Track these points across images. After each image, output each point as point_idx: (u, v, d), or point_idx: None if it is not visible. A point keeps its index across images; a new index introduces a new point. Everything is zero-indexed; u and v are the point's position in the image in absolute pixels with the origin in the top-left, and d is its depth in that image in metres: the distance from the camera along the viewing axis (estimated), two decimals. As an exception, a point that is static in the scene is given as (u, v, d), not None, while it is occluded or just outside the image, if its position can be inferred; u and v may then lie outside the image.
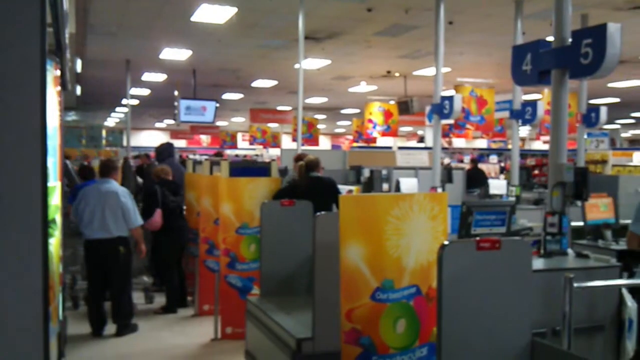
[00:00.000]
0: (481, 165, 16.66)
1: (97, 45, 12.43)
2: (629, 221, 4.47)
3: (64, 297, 4.56)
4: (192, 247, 6.90)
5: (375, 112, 17.40)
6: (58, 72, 3.26)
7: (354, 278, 2.92)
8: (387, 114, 17.36)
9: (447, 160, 20.88)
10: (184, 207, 7.11)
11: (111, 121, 32.45)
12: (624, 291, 3.78)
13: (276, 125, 23.96)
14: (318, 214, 3.27)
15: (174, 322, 6.43)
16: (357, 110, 23.35)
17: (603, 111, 11.11)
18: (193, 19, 9.93)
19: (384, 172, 9.76)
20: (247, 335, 4.28)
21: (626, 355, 3.72)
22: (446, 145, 22.68)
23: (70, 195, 6.61)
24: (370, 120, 17.48)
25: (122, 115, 27.89)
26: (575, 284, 3.08)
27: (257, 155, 28.15)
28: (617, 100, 19.84)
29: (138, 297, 6.52)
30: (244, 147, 31.99)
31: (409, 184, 8.82)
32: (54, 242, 2.57)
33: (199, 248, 6.49)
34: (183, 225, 6.86)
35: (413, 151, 14.54)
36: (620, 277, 4.05)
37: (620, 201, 6.35)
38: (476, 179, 11.77)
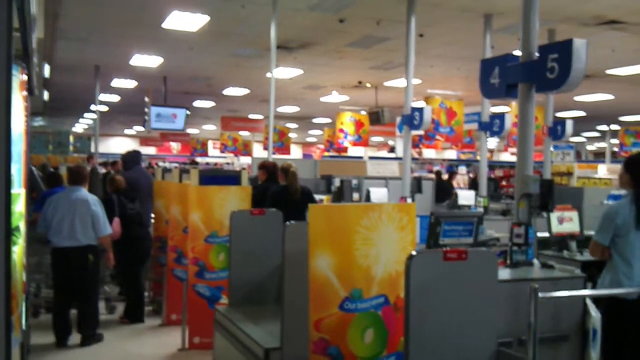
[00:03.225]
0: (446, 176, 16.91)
1: (67, 50, 12.26)
2: (593, 232, 4.55)
3: (27, 306, 4.46)
4: (160, 255, 6.81)
5: (346, 121, 17.53)
6: (25, 77, 3.21)
7: (322, 288, 2.92)
8: (358, 124, 17.50)
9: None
10: (152, 215, 7.01)
11: (79, 127, 32.00)
12: (588, 301, 3.85)
13: (247, 133, 23.91)
14: (287, 223, 3.27)
15: (140, 332, 6.34)
16: (329, 120, 23.44)
17: (569, 124, 11.34)
18: (164, 25, 9.87)
19: (355, 181, 9.79)
20: (215, 345, 4.25)
21: (590, 365, 3.78)
22: (416, 156, 22.87)
23: (36, 202, 6.48)
24: (341, 130, 17.61)
25: (90, 122, 27.51)
26: (541, 294, 3.12)
27: (228, 163, 28.05)
28: (582, 113, 20.27)
29: (100, 307, 6.40)
30: (214, 155, 31.84)
31: (379, 193, 8.87)
32: (18, 250, 2.52)
33: (167, 257, 6.41)
34: (142, 235, 6.64)
35: (383, 161, 14.64)
36: (585, 287, 4.12)
37: (585, 213, 6.46)
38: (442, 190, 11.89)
